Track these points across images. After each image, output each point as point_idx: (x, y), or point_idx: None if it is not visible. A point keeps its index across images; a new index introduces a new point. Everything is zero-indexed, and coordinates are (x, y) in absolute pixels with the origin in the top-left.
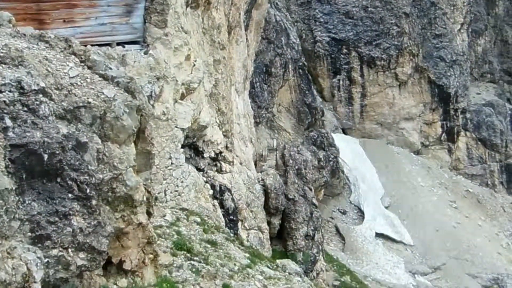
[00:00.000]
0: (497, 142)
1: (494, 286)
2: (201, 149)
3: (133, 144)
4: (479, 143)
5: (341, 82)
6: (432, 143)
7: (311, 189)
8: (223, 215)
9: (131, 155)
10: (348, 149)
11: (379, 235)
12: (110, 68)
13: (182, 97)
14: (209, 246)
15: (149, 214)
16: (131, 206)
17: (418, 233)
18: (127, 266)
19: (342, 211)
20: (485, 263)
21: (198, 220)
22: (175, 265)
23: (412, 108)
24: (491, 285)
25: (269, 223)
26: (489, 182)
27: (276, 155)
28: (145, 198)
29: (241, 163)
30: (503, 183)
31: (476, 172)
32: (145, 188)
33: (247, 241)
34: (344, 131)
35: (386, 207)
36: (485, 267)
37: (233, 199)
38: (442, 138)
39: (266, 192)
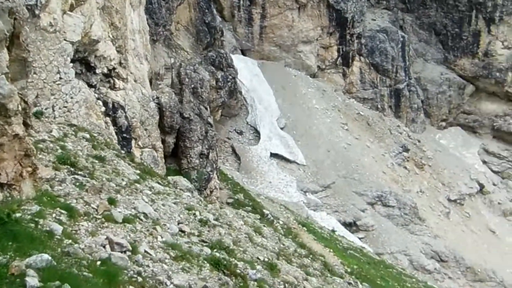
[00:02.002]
0: (388, 67)
1: (378, 202)
2: (92, 65)
3: (5, 49)
4: (372, 68)
5: (241, 2)
6: (328, 67)
7: (207, 108)
8: (116, 133)
9: (3, 61)
10: (247, 70)
11: (273, 155)
12: None
13: (72, 8)
14: (96, 161)
15: (26, 125)
16: (5, 116)
17: (311, 154)
18: (2, 179)
19: (238, 131)
20: (371, 182)
21: (88, 136)
22: (57, 179)
23: (310, 32)
24: (375, 202)
25: (163, 141)
26: (379, 106)
27: (172, 74)
28: (20, 108)
29: (135, 81)
30: (392, 107)
31: (368, 96)
32: (21, 98)
33: (141, 159)
34: (243, 52)
35: (282, 128)
36: (371, 186)
37: (126, 117)
38: (337, 62)
39: (161, 110)
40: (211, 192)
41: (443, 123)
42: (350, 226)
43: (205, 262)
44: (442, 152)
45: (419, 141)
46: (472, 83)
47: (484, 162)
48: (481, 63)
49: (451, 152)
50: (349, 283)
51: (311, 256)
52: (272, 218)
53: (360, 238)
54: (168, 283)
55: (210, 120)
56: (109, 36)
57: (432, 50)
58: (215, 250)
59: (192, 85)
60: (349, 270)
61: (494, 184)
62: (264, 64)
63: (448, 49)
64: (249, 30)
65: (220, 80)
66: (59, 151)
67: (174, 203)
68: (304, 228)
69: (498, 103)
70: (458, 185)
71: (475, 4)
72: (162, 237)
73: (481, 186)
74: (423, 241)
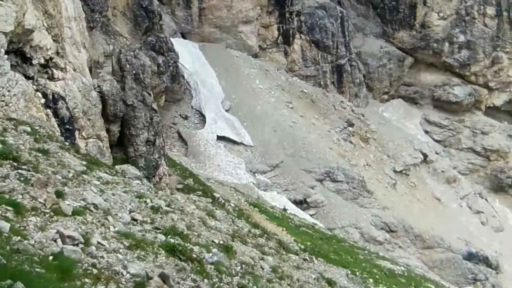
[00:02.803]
0: (329, 44)
1: (327, 178)
2: (28, 56)
3: None
4: (313, 45)
5: None
6: (269, 46)
7: (150, 94)
8: (58, 125)
9: None
10: (188, 53)
11: (220, 138)
12: None
13: None
14: (40, 155)
15: None
16: None
17: (257, 134)
18: None
19: (184, 116)
20: (318, 159)
21: (29, 129)
22: (0, 175)
23: (249, 11)
24: (324, 178)
25: (108, 130)
26: (322, 83)
27: (112, 61)
28: None
29: (74, 70)
30: (334, 83)
31: (310, 73)
32: None
33: (86, 150)
34: (183, 36)
35: (227, 110)
36: (319, 162)
37: (68, 108)
38: (278, 41)
39: (103, 99)
40: (160, 179)
41: (385, 96)
42: (301, 203)
43: (160, 249)
44: (385, 125)
45: (363, 115)
46: (411, 55)
47: (426, 132)
48: (418, 35)
49: (394, 124)
50: (305, 259)
51: (265, 235)
52: (223, 201)
53: (311, 215)
54: (124, 272)
55: (155, 106)
56: (44, 25)
57: (370, 24)
58: (169, 236)
59: (134, 72)
60: (303, 247)
61: (436, 153)
62: (205, 47)
63: (386, 23)
64: (188, 12)
65: (162, 65)
66: (0, 146)
67: (124, 192)
68: (256, 208)
69: (437, 73)
70: (403, 156)
71: None
72: (114, 227)
73: (425, 156)
74: (373, 213)
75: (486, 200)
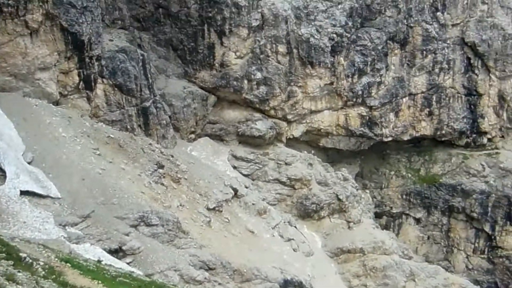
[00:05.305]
0: (132, 87)
1: (141, 223)
2: None
3: None
4: (116, 89)
5: None
6: (71, 92)
7: None
8: None
9: None
10: None
11: (24, 192)
12: None
13: None
14: None
15: None
16: None
17: (65, 185)
18: None
19: None
20: (131, 204)
21: None
22: None
23: (47, 57)
24: (138, 223)
25: None
26: (128, 126)
27: None
28: None
29: None
30: (141, 126)
31: (116, 117)
32: None
33: None
34: None
35: (29, 163)
36: (132, 208)
37: None
38: (80, 86)
39: None
40: None
41: (193, 135)
42: (117, 252)
43: None
44: (195, 164)
45: (172, 156)
46: (214, 93)
47: (235, 167)
48: (219, 74)
49: (204, 162)
50: None
51: None
52: (30, 260)
53: (128, 263)
54: None
55: None
56: None
57: (172, 65)
58: None
59: None
60: None
61: (246, 187)
62: (0, 96)
63: (187, 63)
64: None
65: None
66: None
67: None
68: (68, 264)
69: (239, 110)
70: (215, 193)
71: (205, 18)
72: None
73: (235, 191)
74: (190, 253)
75: (295, 227)
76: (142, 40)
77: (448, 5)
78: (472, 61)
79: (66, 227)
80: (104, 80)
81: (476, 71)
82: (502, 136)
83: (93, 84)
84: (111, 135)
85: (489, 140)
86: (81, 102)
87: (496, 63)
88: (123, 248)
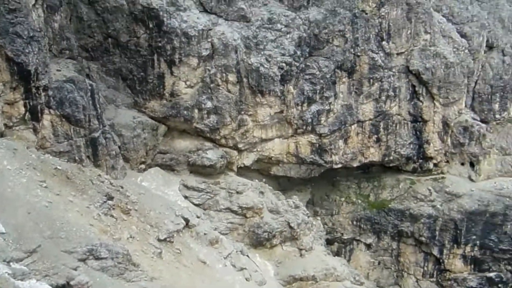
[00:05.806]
0: (80, 117)
1: (90, 257)
2: None
3: None
4: (64, 119)
5: None
6: (16, 124)
7: None
8: None
9: None
10: None
11: None
12: None
13: None
14: None
15: None
16: None
17: (9, 219)
18: None
19: None
20: (79, 237)
21: None
22: None
23: None
24: (87, 257)
25: None
26: (77, 157)
27: None
28: None
29: None
30: (90, 157)
31: (63, 149)
32: None
33: None
34: None
35: None
36: (80, 241)
37: None
38: (26, 117)
39: None
40: None
41: (143, 166)
42: None
43: None
44: (145, 194)
45: (122, 187)
46: (164, 123)
47: (186, 197)
48: (169, 104)
49: (154, 192)
50: None
51: None
52: None
53: None
54: None
55: None
56: None
57: (121, 95)
58: None
59: None
60: None
61: (197, 217)
62: None
63: (137, 93)
64: None
65: None
66: None
67: None
68: None
69: (190, 139)
70: (166, 224)
71: (155, 48)
72: None
73: (187, 221)
74: (141, 286)
75: (248, 256)
76: (91, 70)
77: (393, 34)
78: (417, 89)
79: (11, 263)
80: (51, 110)
81: (421, 98)
82: (447, 161)
83: (39, 114)
84: (59, 167)
85: (435, 165)
86: (27, 133)
87: (440, 91)
88: (71, 283)
